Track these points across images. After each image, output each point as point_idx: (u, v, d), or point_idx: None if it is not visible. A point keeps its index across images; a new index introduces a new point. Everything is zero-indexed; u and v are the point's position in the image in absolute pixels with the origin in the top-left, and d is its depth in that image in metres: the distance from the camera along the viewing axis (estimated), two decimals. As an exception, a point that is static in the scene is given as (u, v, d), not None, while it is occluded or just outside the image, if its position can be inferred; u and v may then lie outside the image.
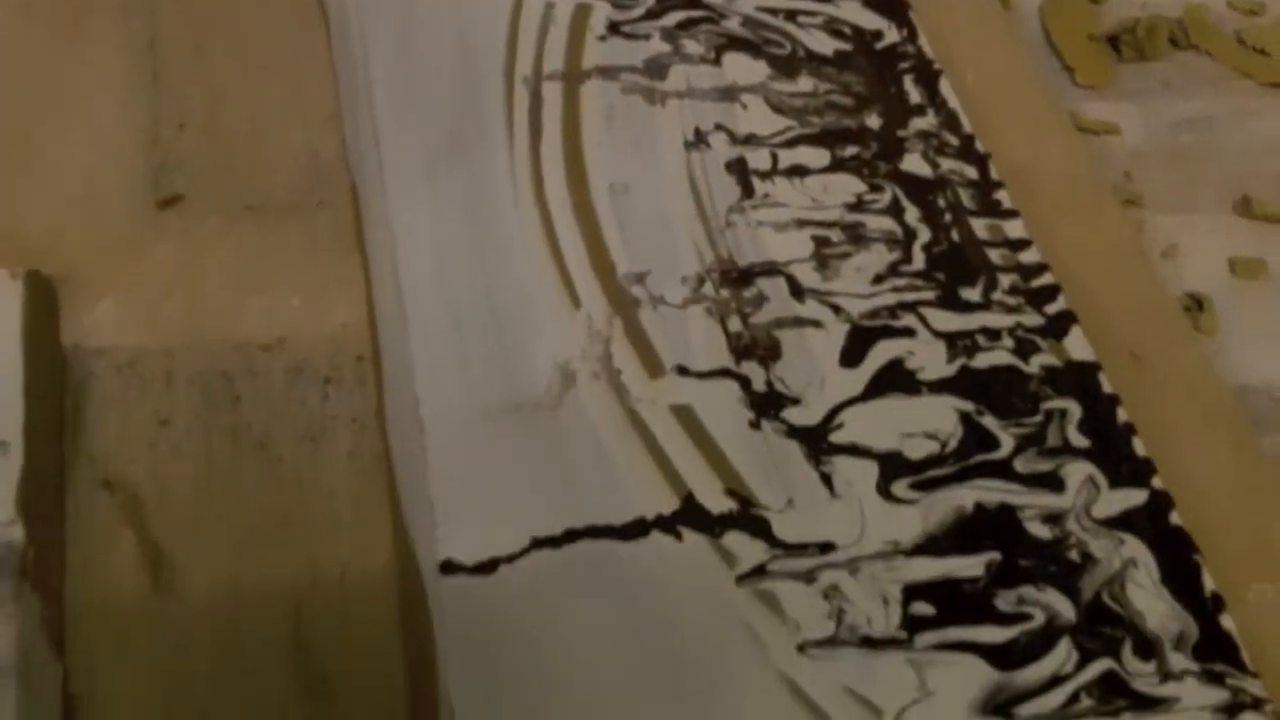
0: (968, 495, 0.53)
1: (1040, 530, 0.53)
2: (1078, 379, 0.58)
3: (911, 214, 0.64)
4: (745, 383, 0.56)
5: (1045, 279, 0.62)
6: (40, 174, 0.62)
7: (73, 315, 0.57)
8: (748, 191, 0.64)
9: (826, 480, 0.53)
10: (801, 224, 0.63)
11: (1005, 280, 0.62)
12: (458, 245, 0.60)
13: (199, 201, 0.63)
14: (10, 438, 0.50)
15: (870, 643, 0.49)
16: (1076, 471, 0.55)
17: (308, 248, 0.61)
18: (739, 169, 0.65)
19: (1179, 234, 0.70)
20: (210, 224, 0.62)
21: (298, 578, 0.50)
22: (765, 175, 0.65)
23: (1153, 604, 0.51)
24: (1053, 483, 0.54)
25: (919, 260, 0.62)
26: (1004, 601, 0.50)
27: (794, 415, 0.55)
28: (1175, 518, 0.54)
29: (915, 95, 0.70)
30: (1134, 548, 0.53)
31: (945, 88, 0.70)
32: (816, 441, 0.54)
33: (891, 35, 0.72)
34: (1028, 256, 0.63)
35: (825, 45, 0.71)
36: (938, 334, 0.59)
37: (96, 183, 0.63)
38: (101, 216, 0.61)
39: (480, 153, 0.64)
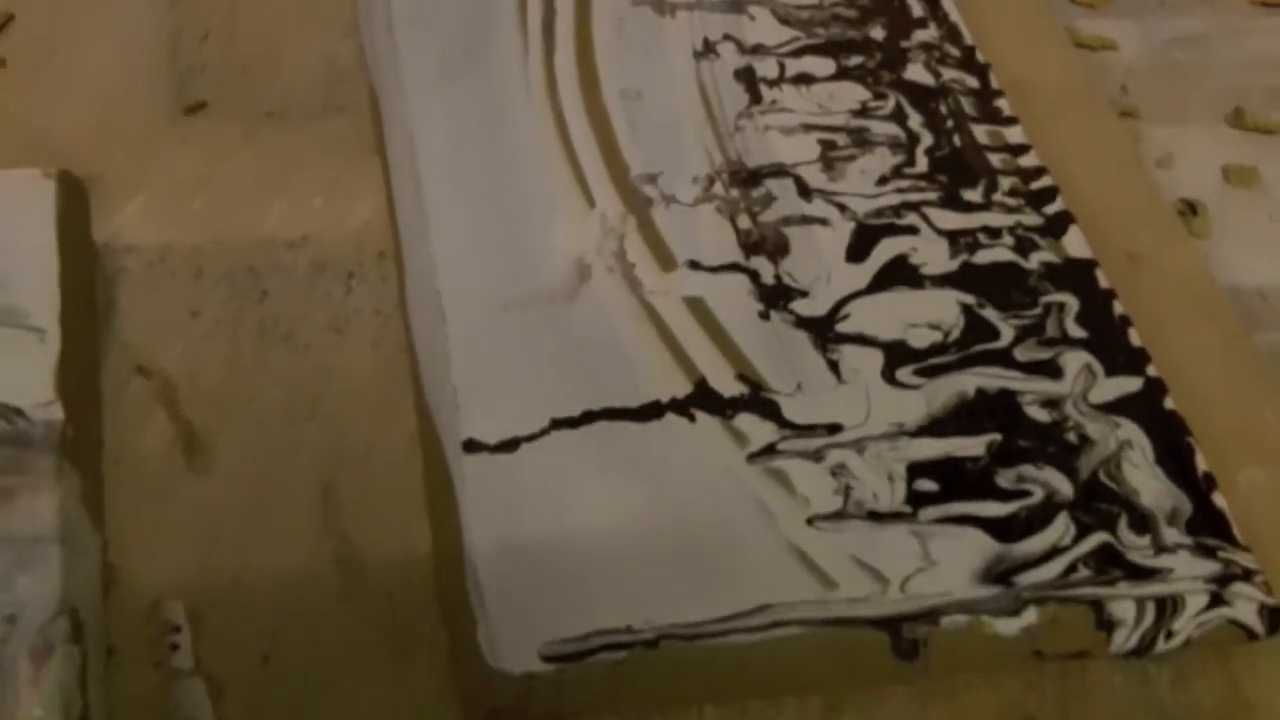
0: (969, 381, 0.54)
1: (1039, 414, 0.54)
2: (1075, 275, 0.59)
3: (914, 120, 0.65)
4: (755, 276, 0.57)
5: (1044, 181, 0.63)
6: (69, 83, 0.63)
7: (103, 214, 0.58)
8: (756, 98, 0.65)
9: (834, 367, 0.54)
10: (808, 128, 0.64)
11: (1005, 183, 0.63)
12: (475, 147, 0.61)
13: (222, 108, 0.64)
14: (47, 325, 0.51)
15: (876, 516, 0.50)
16: (1074, 360, 0.56)
17: (328, 151, 0.62)
18: (747, 77, 0.66)
19: (1173, 144, 0.71)
20: (234, 129, 0.63)
21: (326, 456, 0.51)
22: (773, 83, 0.66)
23: (1147, 482, 0.52)
24: (1051, 370, 0.55)
25: (922, 163, 0.63)
26: (1004, 479, 0.52)
27: (802, 307, 0.56)
28: (1169, 403, 0.55)
29: (917, 9, 0.71)
30: (1129, 430, 0.54)
31: (946, 2, 0.71)
32: (824, 331, 0.56)
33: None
34: (1027, 161, 0.64)
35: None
36: (940, 232, 0.60)
37: (123, 90, 0.64)
38: (128, 122, 0.62)
39: (495, 60, 0.65)
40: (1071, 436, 0.53)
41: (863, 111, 0.65)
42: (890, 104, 0.66)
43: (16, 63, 0.64)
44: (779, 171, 0.62)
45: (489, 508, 0.49)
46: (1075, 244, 0.60)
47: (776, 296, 0.56)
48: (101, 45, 0.65)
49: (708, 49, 0.67)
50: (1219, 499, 0.52)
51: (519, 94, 0.63)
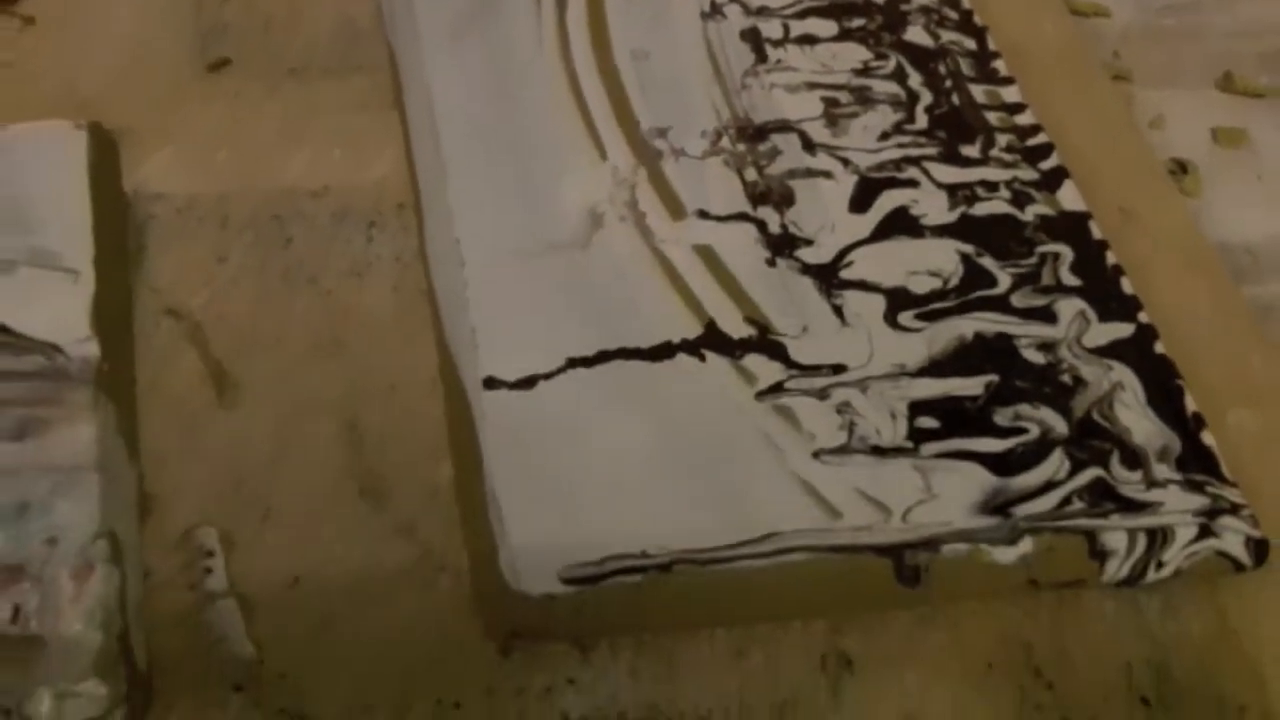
0: (968, 325, 0.56)
1: (1035, 356, 0.55)
2: (1070, 226, 0.60)
3: (914, 79, 0.67)
4: (761, 225, 0.58)
5: (1040, 139, 0.64)
6: (96, 39, 0.65)
7: (132, 164, 0.60)
8: (761, 57, 0.66)
9: (838, 311, 0.56)
10: (812, 86, 0.66)
11: (1002, 139, 0.64)
12: (491, 103, 0.62)
13: (245, 65, 0.65)
14: (81, 267, 0.53)
15: (879, 451, 0.51)
16: (1068, 307, 0.57)
17: (348, 107, 0.63)
18: (753, 37, 0.68)
19: (1165, 106, 0.72)
20: (256, 85, 0.64)
21: (349, 393, 0.53)
22: (777, 43, 0.67)
23: (1139, 422, 0.53)
24: (1046, 315, 0.57)
25: (922, 120, 0.65)
26: (1002, 417, 0.53)
27: (807, 254, 0.58)
28: (1160, 347, 0.56)
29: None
30: (1121, 373, 0.55)
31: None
32: (828, 277, 0.57)
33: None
34: (1023, 119, 0.65)
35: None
36: (940, 185, 0.61)
37: (148, 47, 0.65)
38: (154, 77, 0.64)
39: (509, 19, 0.66)
40: (1066, 378, 0.54)
41: (864, 71, 0.67)
42: (891, 64, 0.67)
43: (45, 21, 0.65)
44: (784, 127, 0.63)
45: (508, 441, 0.50)
46: (1070, 198, 0.61)
47: (782, 244, 0.58)
48: (126, 4, 0.66)
49: (714, 10, 0.68)
50: (1208, 438, 0.53)
51: (533, 52, 0.65)
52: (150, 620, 0.46)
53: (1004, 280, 0.57)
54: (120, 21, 0.65)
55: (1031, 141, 0.64)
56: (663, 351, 0.53)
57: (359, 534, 0.48)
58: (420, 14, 0.65)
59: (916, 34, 0.69)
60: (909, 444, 0.51)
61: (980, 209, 0.60)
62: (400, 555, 0.48)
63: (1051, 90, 0.68)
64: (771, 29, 0.68)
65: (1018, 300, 0.57)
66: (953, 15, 0.70)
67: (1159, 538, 0.50)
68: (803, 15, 0.69)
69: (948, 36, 0.69)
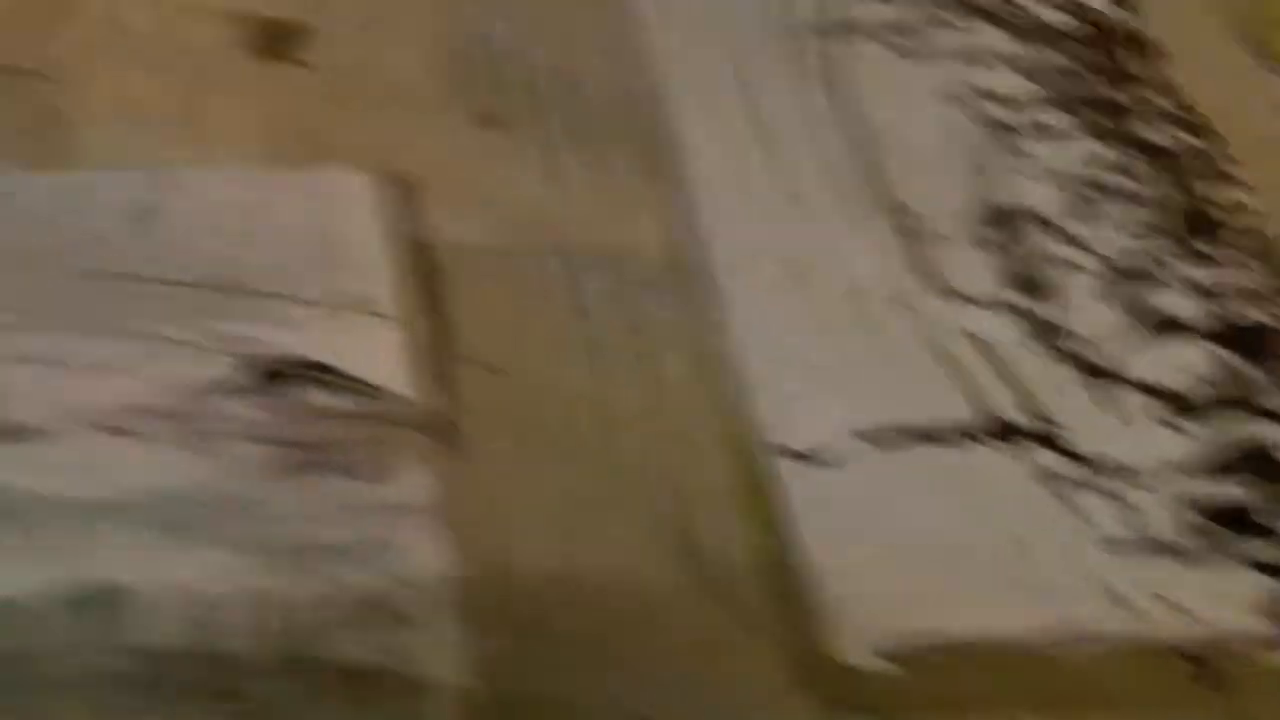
0: (1243, 430, 0.57)
1: (1306, 466, 0.56)
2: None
3: (1148, 175, 0.68)
4: (1024, 313, 0.60)
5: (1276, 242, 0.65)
6: (384, 102, 0.67)
7: (424, 216, 0.61)
8: (1005, 145, 0.68)
9: (1113, 406, 0.57)
10: (1053, 175, 0.67)
11: (1241, 240, 0.65)
12: (757, 177, 0.64)
13: (521, 126, 0.67)
14: (391, 312, 0.54)
15: (1161, 547, 0.52)
16: (1332, 419, 0.58)
17: (626, 170, 0.66)
18: (995, 125, 0.69)
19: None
20: (534, 146, 0.66)
21: (653, 456, 0.54)
22: (1019, 132, 0.69)
23: None
24: (1314, 428, 0.57)
25: (1163, 217, 0.66)
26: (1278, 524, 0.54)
27: (1073, 346, 0.59)
28: None
29: (1134, 67, 0.74)
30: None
31: (1161, 62, 0.74)
32: (1099, 372, 0.58)
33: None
34: (1256, 222, 0.66)
35: (1056, 19, 0.75)
36: (1190, 284, 0.62)
37: (425, 100, 0.67)
38: (433, 130, 0.66)
39: (764, 97, 0.68)
40: (1336, 490, 0.55)
41: (1102, 163, 0.68)
42: (1127, 159, 0.68)
43: (324, 69, 0.67)
44: (1030, 215, 0.64)
45: (815, 512, 0.51)
46: (1316, 307, 0.62)
47: (1047, 333, 0.59)
48: (410, 68, 0.68)
49: (956, 98, 0.70)
50: None
51: (788, 129, 0.66)
52: (497, 668, 0.46)
53: (1269, 388, 0.58)
54: (406, 83, 0.67)
55: (1269, 244, 0.64)
56: (948, 434, 0.54)
57: (675, 597, 0.49)
58: (686, 87, 0.66)
59: (1147, 130, 0.70)
60: (1189, 542, 0.52)
61: (1234, 311, 0.61)
62: (717, 620, 0.49)
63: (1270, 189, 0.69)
64: (1012, 118, 0.69)
65: (1283, 409, 0.57)
66: (1181, 114, 0.71)
67: None
68: (1041, 106, 0.70)
69: (1177, 134, 0.70)
